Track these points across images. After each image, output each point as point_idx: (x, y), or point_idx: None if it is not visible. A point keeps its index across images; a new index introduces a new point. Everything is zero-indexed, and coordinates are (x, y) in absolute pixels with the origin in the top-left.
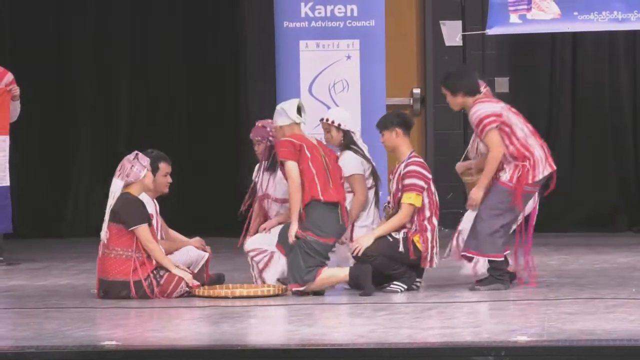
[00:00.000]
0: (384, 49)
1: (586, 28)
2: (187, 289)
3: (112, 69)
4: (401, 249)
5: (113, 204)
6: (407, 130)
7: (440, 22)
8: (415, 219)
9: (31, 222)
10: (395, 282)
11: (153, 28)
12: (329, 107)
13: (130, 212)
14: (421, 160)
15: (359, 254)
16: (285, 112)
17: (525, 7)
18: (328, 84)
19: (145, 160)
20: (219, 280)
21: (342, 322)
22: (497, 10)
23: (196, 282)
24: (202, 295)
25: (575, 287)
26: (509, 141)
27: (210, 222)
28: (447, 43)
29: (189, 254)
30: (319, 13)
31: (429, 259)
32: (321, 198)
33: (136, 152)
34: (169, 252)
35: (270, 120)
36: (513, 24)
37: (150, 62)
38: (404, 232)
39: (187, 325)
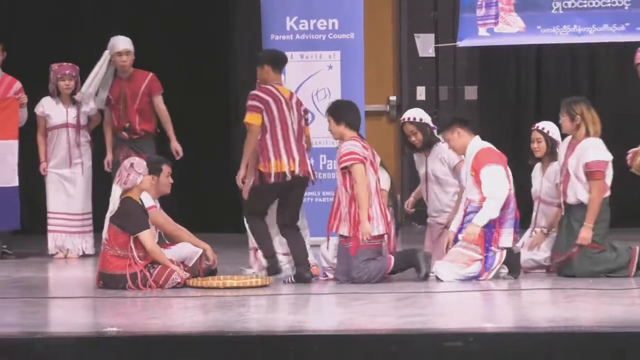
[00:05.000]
0: (362, 60)
1: (549, 40)
2: (178, 280)
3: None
4: None
5: (116, 210)
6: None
7: (415, 35)
8: None
9: (38, 219)
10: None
11: (145, 42)
12: (313, 115)
13: (133, 220)
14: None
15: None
16: None
17: (493, 21)
18: (311, 92)
19: (141, 167)
20: (211, 272)
21: (324, 310)
22: (467, 24)
23: (186, 275)
24: (195, 285)
25: (538, 278)
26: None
27: (203, 218)
28: (421, 54)
29: (182, 249)
30: (303, 27)
31: None
32: None
33: (132, 160)
34: (179, 241)
35: None
36: (482, 37)
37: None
38: None
39: (183, 314)
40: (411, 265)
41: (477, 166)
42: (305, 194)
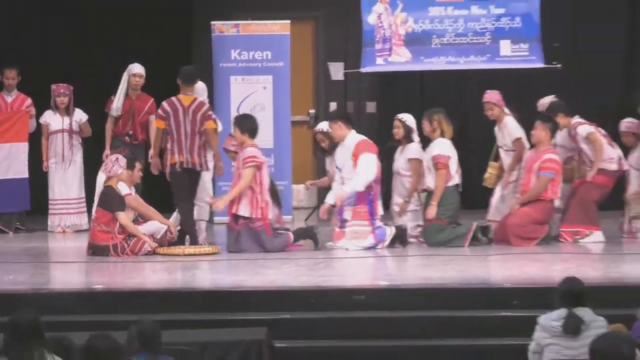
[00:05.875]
0: (289, 82)
1: (429, 68)
2: (149, 249)
3: (100, 83)
4: None
5: (100, 196)
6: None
7: (329, 63)
8: None
9: (43, 202)
10: None
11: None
12: None
13: (112, 203)
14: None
15: None
16: None
17: (387, 53)
18: (250, 107)
19: (122, 162)
20: (173, 243)
21: (259, 271)
22: (368, 55)
23: (155, 245)
24: (162, 253)
25: (424, 247)
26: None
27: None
28: (333, 78)
29: (152, 225)
30: (244, 57)
31: None
32: None
33: (117, 155)
34: (149, 219)
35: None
36: (379, 65)
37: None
38: None
39: (152, 274)
40: (307, 238)
41: (357, 153)
42: None
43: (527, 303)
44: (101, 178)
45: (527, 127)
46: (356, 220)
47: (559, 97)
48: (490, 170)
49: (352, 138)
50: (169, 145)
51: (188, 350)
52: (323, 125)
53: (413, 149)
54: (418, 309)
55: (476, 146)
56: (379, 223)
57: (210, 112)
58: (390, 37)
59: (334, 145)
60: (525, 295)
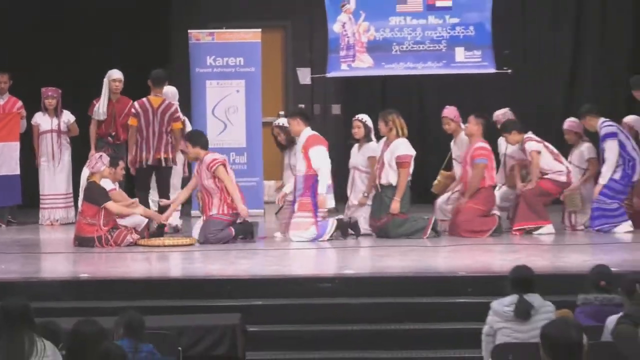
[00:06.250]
0: (260, 86)
1: (390, 73)
2: (131, 240)
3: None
4: None
5: (84, 192)
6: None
7: (297, 68)
8: None
9: (33, 197)
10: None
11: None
12: (225, 124)
13: (98, 196)
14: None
15: None
16: None
17: (351, 59)
18: (224, 109)
19: (106, 160)
20: (155, 234)
21: (232, 262)
22: (333, 61)
23: (137, 237)
24: (143, 244)
25: (383, 239)
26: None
27: None
28: (301, 82)
29: (134, 219)
30: (219, 63)
31: None
32: None
33: (101, 153)
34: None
35: None
36: (343, 70)
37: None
38: None
39: (134, 264)
40: (246, 233)
41: (307, 146)
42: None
43: (481, 290)
44: (85, 173)
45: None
46: (300, 212)
47: (509, 99)
48: (440, 178)
49: (306, 133)
50: (138, 144)
51: (167, 334)
52: (280, 121)
53: (372, 147)
54: (380, 295)
55: (432, 146)
56: (322, 216)
57: (178, 114)
58: (354, 44)
59: (290, 139)
60: (479, 283)
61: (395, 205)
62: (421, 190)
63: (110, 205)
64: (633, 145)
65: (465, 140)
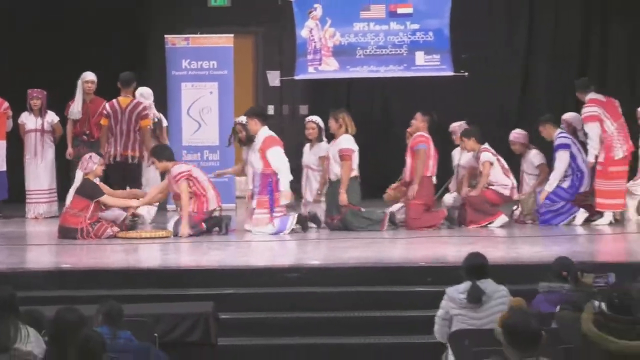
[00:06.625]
0: (232, 88)
1: (354, 75)
2: (111, 233)
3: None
4: None
5: (79, 186)
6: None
7: (267, 71)
8: None
9: (19, 192)
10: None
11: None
12: (199, 124)
13: (93, 192)
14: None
15: None
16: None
17: (318, 62)
18: (199, 109)
19: (96, 159)
20: (131, 227)
21: (206, 253)
22: (301, 64)
23: (116, 229)
24: (121, 237)
25: (346, 231)
26: (197, 185)
27: None
28: (271, 84)
29: (113, 212)
30: (193, 66)
31: None
32: None
33: (91, 154)
34: (118, 204)
35: None
36: (311, 73)
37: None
38: None
39: (113, 255)
40: (216, 226)
41: (264, 148)
42: None
43: (439, 279)
44: (79, 174)
45: (437, 131)
46: (259, 209)
47: (466, 101)
48: (391, 191)
49: (263, 133)
50: (108, 142)
51: (144, 321)
52: (242, 118)
53: (324, 147)
54: (344, 285)
55: (394, 146)
56: (279, 212)
57: (146, 112)
58: (320, 48)
59: (249, 136)
60: (438, 272)
61: (342, 197)
62: (380, 187)
63: (105, 198)
64: (583, 157)
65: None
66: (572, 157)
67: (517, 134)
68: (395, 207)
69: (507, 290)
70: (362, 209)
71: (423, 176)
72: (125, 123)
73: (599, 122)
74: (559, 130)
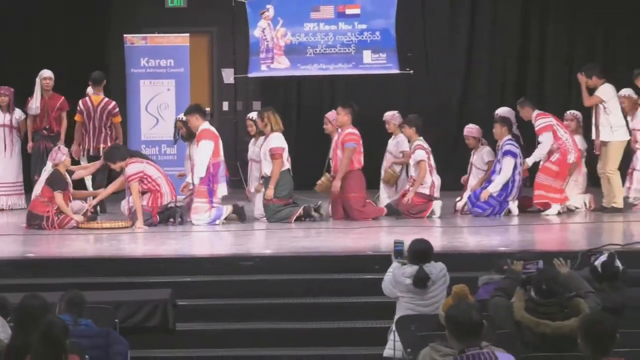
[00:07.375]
0: (188, 85)
1: (304, 73)
2: (74, 224)
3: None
4: None
5: (49, 176)
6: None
7: (222, 69)
8: None
9: None
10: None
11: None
12: (157, 119)
13: (56, 183)
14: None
15: None
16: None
17: (270, 61)
18: (157, 105)
19: (65, 150)
20: (93, 218)
21: (164, 242)
22: (254, 62)
23: (81, 219)
24: (83, 227)
25: (307, 222)
26: (151, 183)
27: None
28: (225, 81)
29: (76, 204)
30: (151, 64)
31: None
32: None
33: (60, 146)
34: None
35: None
36: (263, 71)
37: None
38: None
39: (75, 244)
40: (169, 218)
41: (198, 139)
42: None
43: (386, 268)
44: (49, 165)
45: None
46: (198, 198)
47: (411, 97)
48: (324, 179)
49: (202, 127)
50: (82, 137)
51: (105, 307)
52: (182, 116)
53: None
54: (297, 272)
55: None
56: (217, 202)
57: (116, 110)
58: (272, 47)
59: (190, 133)
60: (385, 261)
61: (268, 193)
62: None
63: (58, 195)
64: (520, 170)
65: (402, 139)
66: (515, 166)
67: (470, 129)
68: (386, 195)
69: (444, 266)
70: (285, 203)
71: (354, 170)
72: (97, 120)
73: (552, 132)
74: (508, 136)
